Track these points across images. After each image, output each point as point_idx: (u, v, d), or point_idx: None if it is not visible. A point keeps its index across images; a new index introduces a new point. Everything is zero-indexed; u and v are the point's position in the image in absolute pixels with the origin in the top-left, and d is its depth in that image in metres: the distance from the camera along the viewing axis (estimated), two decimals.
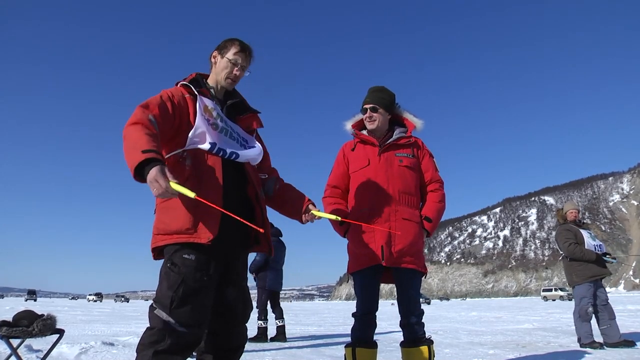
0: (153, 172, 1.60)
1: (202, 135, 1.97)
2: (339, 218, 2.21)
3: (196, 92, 2.04)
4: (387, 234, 2.55)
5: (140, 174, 1.64)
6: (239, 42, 2.12)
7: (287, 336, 6.54)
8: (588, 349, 4.85)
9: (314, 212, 2.19)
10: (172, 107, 1.94)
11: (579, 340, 5.13)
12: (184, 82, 2.08)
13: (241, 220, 1.78)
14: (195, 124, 1.97)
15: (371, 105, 2.77)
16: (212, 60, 2.15)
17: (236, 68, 2.11)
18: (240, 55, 2.11)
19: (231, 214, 1.77)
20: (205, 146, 1.96)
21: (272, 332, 6.46)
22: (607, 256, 5.27)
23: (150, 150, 1.64)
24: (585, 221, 5.74)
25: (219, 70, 2.13)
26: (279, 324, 6.43)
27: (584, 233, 5.38)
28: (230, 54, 2.10)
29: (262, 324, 6.33)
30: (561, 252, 5.50)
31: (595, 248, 5.27)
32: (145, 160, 1.62)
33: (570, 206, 5.64)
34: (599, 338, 5.11)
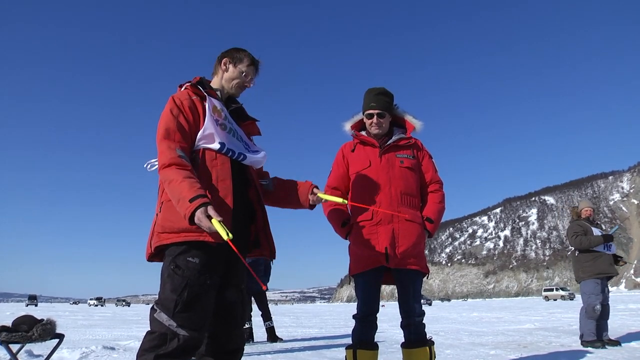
0: (197, 216, 1.76)
1: (210, 136, 1.99)
2: (345, 201, 2.21)
3: (204, 93, 2.07)
4: (390, 235, 2.55)
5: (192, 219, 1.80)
6: (251, 57, 2.21)
7: (286, 338, 6.88)
8: (590, 349, 4.84)
9: (320, 195, 2.23)
10: (186, 122, 1.98)
11: (581, 337, 5.13)
12: (192, 83, 2.10)
13: (240, 256, 1.83)
14: (204, 125, 1.99)
15: (379, 111, 2.72)
16: (223, 66, 2.18)
17: (247, 80, 2.20)
18: (251, 68, 2.20)
19: (237, 251, 1.79)
20: (215, 146, 1.99)
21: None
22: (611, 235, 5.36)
23: (194, 198, 1.77)
24: (597, 222, 5.76)
25: (230, 77, 2.18)
26: (248, 326, 6.55)
27: (596, 231, 5.40)
28: (243, 66, 2.18)
29: (270, 323, 6.55)
30: (570, 247, 5.54)
31: (605, 247, 5.28)
32: (195, 209, 1.77)
33: (585, 204, 5.69)
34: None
